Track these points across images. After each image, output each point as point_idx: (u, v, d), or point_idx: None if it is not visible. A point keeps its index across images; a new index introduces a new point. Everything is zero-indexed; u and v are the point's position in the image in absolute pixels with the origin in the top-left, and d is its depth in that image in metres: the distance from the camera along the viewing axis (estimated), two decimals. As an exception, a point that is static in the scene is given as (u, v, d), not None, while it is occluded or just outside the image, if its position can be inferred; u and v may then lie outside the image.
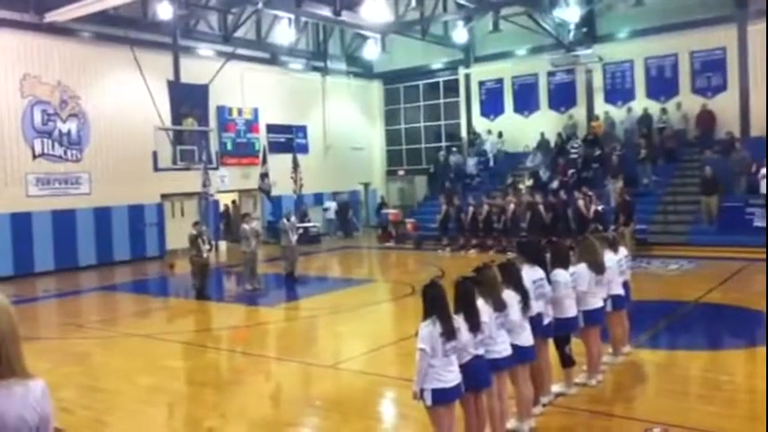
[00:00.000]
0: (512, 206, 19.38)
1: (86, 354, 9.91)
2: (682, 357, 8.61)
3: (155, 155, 19.06)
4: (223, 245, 22.67)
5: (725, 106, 21.18)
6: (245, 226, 14.83)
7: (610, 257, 7.49)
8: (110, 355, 9.86)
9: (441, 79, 28.26)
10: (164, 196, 21.62)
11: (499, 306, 5.39)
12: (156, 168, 19.37)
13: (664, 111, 21.91)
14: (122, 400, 7.65)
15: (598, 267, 7.08)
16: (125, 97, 20.41)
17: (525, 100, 25.66)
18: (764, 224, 16.87)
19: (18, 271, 17.86)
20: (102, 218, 19.88)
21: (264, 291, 14.87)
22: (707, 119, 21.17)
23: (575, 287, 6.79)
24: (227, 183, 23.29)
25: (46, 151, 18.93)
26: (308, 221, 24.18)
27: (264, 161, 21.55)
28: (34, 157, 18.68)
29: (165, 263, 19.60)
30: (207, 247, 14.33)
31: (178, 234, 20.37)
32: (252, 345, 10.45)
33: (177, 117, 20.61)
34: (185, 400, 7.87)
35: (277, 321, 12.21)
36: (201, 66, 22.05)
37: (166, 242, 21.51)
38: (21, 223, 18.15)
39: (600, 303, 7.16)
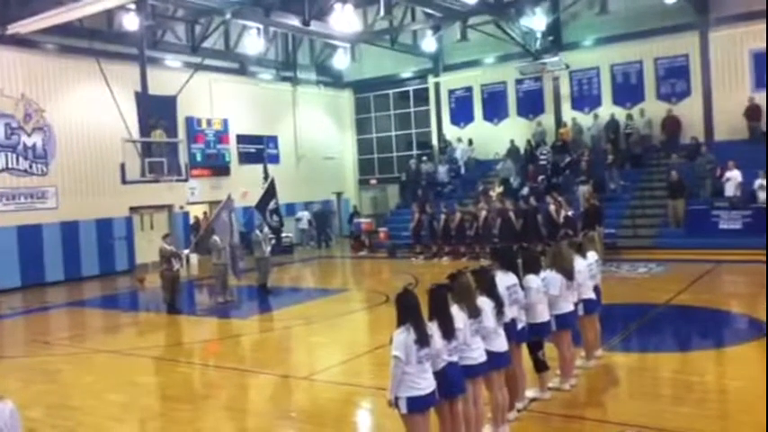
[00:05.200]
0: (483, 213, 19.48)
1: (55, 371, 9.70)
2: (653, 359, 8.71)
3: (123, 167, 18.79)
4: (194, 257, 22.41)
5: (689, 111, 21.64)
6: (217, 238, 14.66)
7: (579, 262, 7.58)
8: (79, 372, 9.65)
9: (411, 88, 28.38)
10: (132, 209, 21.33)
11: (474, 312, 5.41)
12: (124, 181, 19.11)
13: (630, 117, 22.25)
14: (93, 417, 7.49)
15: (569, 272, 7.17)
16: (91, 109, 20.11)
17: (494, 108, 25.88)
18: (730, 226, 17.33)
19: (-17, 288, 17.47)
20: (70, 232, 19.53)
21: (237, 303, 14.74)
22: (672, 124, 21.56)
23: (546, 292, 6.86)
24: (198, 194, 23.08)
25: (10, 165, 18.55)
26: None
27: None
28: (-2, 171, 18.33)
29: (134, 277, 19.29)
30: (178, 266, 14.12)
31: (148, 247, 20.13)
32: (225, 358, 10.33)
33: (145, 129, 20.32)
34: (158, 416, 7.73)
35: (250, 333, 12.08)
36: (169, 77, 21.83)
37: (136, 256, 21.21)
38: (-15, 239, 17.77)
39: (571, 307, 7.24)
